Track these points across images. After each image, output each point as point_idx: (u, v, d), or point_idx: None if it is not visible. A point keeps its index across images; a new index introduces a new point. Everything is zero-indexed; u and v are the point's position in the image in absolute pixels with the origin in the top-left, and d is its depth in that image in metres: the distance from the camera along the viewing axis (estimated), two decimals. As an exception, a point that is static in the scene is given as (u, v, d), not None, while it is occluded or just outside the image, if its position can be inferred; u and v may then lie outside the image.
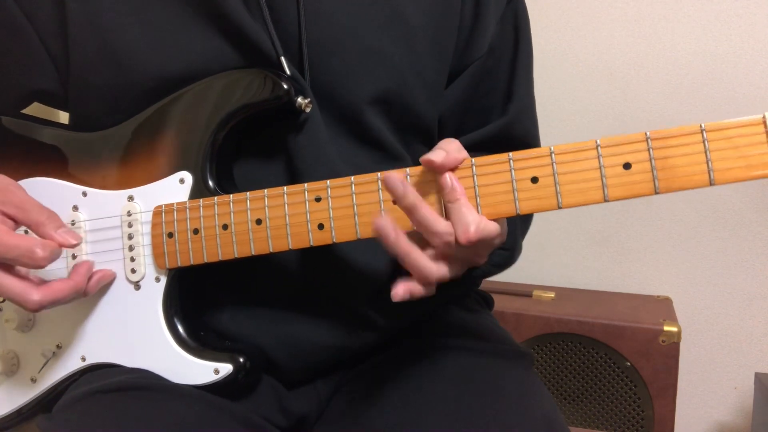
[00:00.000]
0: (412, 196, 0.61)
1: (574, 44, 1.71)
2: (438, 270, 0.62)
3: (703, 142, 0.56)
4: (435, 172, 0.63)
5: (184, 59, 0.73)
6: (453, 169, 0.62)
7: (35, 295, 0.68)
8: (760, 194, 1.61)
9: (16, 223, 0.70)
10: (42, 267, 0.68)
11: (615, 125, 1.70)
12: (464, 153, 0.63)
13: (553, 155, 0.60)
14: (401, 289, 0.62)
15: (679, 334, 1.41)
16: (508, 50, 0.84)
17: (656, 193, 0.58)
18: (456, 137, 0.83)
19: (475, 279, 0.91)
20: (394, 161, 0.79)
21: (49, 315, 0.77)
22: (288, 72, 0.71)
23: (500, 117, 0.83)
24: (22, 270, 0.69)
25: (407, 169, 0.64)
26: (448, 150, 0.62)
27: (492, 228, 0.62)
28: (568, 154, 0.60)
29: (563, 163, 0.60)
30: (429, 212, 0.61)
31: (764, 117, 0.55)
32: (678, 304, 1.64)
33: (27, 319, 0.78)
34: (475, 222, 0.60)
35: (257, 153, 0.75)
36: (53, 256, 0.68)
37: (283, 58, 0.72)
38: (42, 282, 0.69)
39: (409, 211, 0.61)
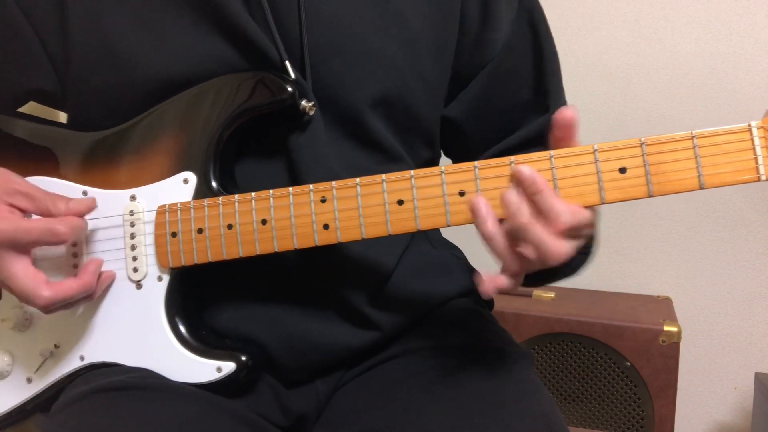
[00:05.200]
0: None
1: (574, 44, 1.71)
2: (561, 246, 0.60)
3: (694, 148, 0.59)
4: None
5: (185, 62, 0.73)
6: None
7: (46, 291, 0.68)
8: (760, 194, 1.61)
9: (25, 213, 0.71)
10: (66, 242, 0.70)
11: (615, 125, 1.70)
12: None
13: (552, 159, 0.61)
14: (489, 285, 0.61)
15: (679, 334, 1.41)
16: (528, 48, 0.83)
17: (650, 196, 0.60)
18: (482, 139, 0.83)
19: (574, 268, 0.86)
20: (395, 163, 0.79)
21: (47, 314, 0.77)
22: (293, 75, 0.72)
23: (542, 114, 0.82)
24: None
25: (412, 172, 0.65)
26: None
27: (583, 215, 0.61)
28: (566, 158, 0.61)
29: (562, 167, 0.61)
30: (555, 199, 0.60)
31: (749, 125, 0.58)
32: (678, 304, 1.64)
33: (24, 318, 0.78)
34: (566, 212, 0.59)
35: (259, 154, 0.76)
36: (75, 230, 0.70)
37: (287, 62, 0.72)
38: (53, 282, 0.69)
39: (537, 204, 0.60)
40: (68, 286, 0.70)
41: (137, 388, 0.70)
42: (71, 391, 0.74)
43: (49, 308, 0.69)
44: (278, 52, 0.72)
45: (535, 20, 0.84)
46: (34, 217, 0.72)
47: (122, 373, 0.73)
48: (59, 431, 0.68)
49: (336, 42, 0.74)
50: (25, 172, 0.79)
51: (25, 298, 0.69)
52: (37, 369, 0.78)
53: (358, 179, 0.66)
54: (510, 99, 0.84)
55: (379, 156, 0.78)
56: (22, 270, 0.68)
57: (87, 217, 0.76)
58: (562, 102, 0.84)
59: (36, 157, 0.80)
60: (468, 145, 0.86)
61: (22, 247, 0.68)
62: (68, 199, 0.73)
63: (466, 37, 0.80)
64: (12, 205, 0.70)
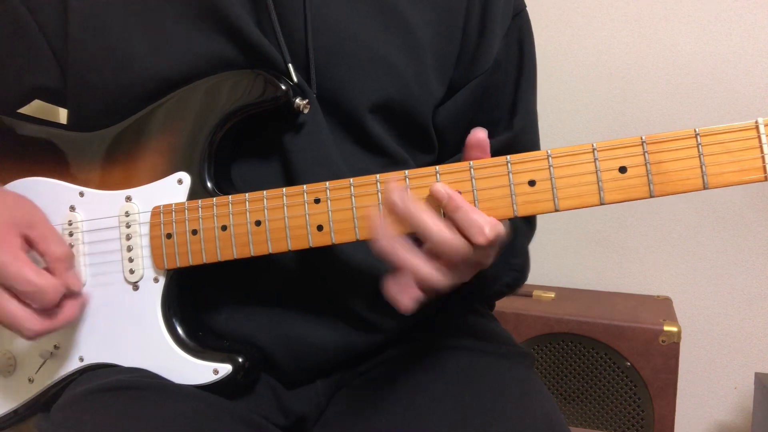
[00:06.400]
0: (410, 204, 0.61)
1: (574, 44, 1.71)
2: (438, 275, 0.61)
3: (698, 146, 0.57)
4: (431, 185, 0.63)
5: (185, 62, 0.73)
6: None
7: (34, 324, 0.69)
8: (760, 194, 1.61)
9: (32, 248, 0.71)
10: (47, 307, 0.69)
11: (615, 125, 1.69)
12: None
13: (550, 158, 0.60)
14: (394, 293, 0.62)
15: (679, 334, 1.41)
16: (512, 65, 0.84)
17: (651, 196, 0.58)
18: (444, 149, 0.84)
19: (489, 299, 0.92)
20: (398, 166, 0.79)
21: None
22: (295, 79, 0.72)
23: (505, 131, 0.83)
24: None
25: (406, 171, 0.64)
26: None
27: (502, 227, 0.62)
28: (565, 157, 0.60)
29: (560, 167, 0.60)
30: (431, 220, 0.61)
31: (757, 122, 0.56)
32: (678, 304, 1.64)
33: None
34: (488, 223, 0.60)
35: (255, 154, 0.75)
36: (59, 299, 0.70)
37: (290, 66, 0.72)
38: (41, 313, 0.70)
39: (407, 219, 0.61)
40: (53, 323, 0.71)
41: (136, 387, 0.70)
42: (71, 391, 0.74)
43: (33, 339, 0.71)
44: (282, 55, 0.72)
45: (523, 39, 0.84)
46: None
47: (121, 373, 0.73)
48: (58, 431, 0.68)
49: (341, 46, 0.74)
50: (22, 172, 0.80)
51: (11, 329, 0.70)
52: (38, 369, 0.78)
53: (351, 179, 0.66)
54: (485, 114, 0.84)
55: (383, 159, 0.79)
56: (11, 304, 0.68)
57: (83, 217, 0.77)
58: (527, 120, 0.85)
59: (32, 157, 0.80)
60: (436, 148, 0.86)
61: (11, 287, 0.68)
62: (72, 266, 0.73)
63: (465, 48, 0.81)
64: (26, 237, 0.70)
